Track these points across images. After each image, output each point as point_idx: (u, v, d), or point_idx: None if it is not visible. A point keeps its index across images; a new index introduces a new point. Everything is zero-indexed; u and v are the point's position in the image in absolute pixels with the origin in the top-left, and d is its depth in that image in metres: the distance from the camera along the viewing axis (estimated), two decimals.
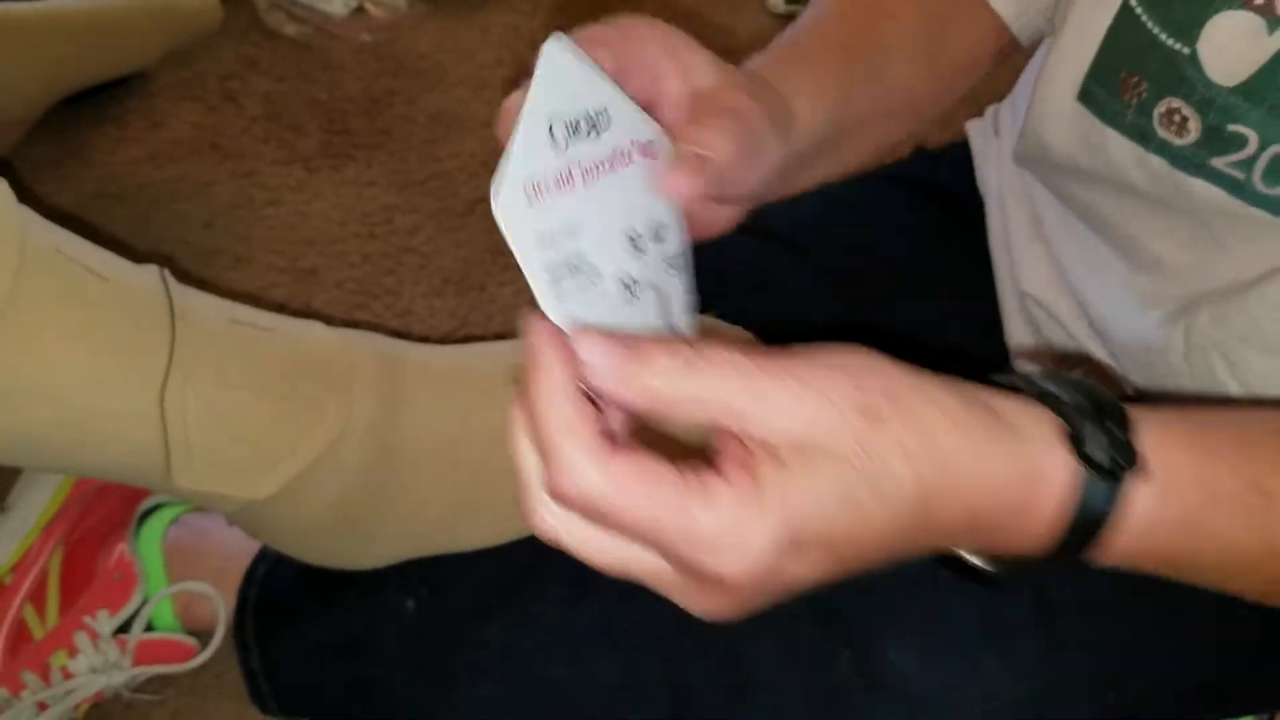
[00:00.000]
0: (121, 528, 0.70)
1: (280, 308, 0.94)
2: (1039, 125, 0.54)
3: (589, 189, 0.38)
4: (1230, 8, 0.43)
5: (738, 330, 0.60)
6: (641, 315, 0.40)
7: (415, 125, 1.11)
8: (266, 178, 1.05)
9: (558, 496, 0.31)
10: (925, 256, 0.68)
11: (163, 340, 0.52)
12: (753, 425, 0.31)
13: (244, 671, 0.64)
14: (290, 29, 1.15)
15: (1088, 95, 0.50)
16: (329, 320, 0.61)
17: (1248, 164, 0.45)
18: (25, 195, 0.51)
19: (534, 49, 0.36)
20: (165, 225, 1.01)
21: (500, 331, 0.95)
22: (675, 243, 0.41)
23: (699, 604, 0.33)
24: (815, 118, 0.47)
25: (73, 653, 0.66)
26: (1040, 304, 0.60)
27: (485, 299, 0.97)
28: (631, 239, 0.41)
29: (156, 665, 0.68)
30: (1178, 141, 0.47)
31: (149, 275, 0.54)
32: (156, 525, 0.70)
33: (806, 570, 0.32)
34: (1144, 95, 0.48)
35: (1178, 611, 0.52)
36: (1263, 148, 0.44)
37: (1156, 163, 0.48)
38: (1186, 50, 0.45)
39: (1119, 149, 0.49)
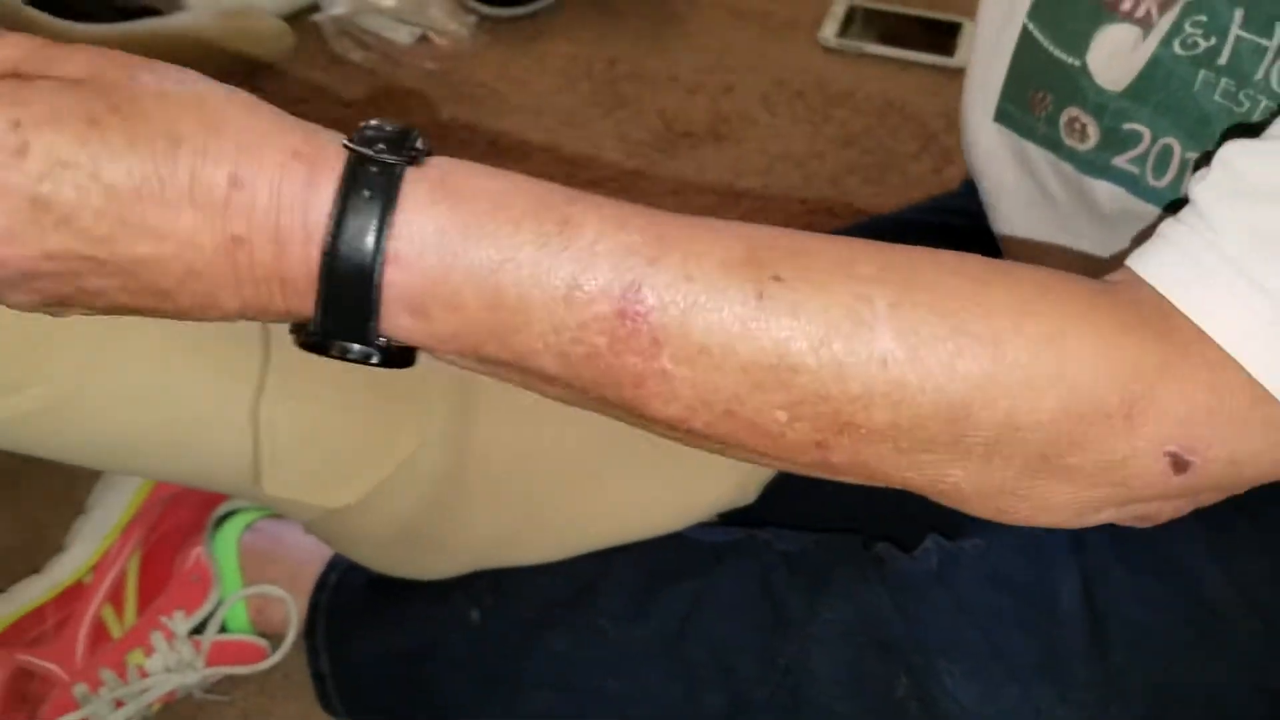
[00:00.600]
0: (198, 532, 0.72)
1: None
2: (970, 153, 0.58)
3: None
4: (1111, 22, 0.47)
5: None
6: None
7: (475, 151, 1.14)
8: None
9: None
10: None
11: (257, 353, 0.55)
12: (32, 70, 0.32)
13: (313, 674, 0.67)
14: (357, 55, 1.19)
15: (1004, 115, 0.54)
16: None
17: (1142, 159, 0.48)
18: None
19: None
20: None
21: None
22: None
23: None
24: None
25: (149, 652, 0.69)
26: None
27: None
28: None
29: (229, 666, 0.70)
30: (1081, 147, 0.50)
31: None
32: (232, 530, 0.73)
33: (39, 179, 0.30)
34: (1049, 108, 0.51)
35: (1235, 642, 0.53)
36: (1154, 141, 0.47)
37: (1067, 169, 0.52)
38: (1078, 63, 0.49)
39: (1037, 158, 0.53)
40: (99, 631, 0.69)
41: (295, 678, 0.73)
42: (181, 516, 0.73)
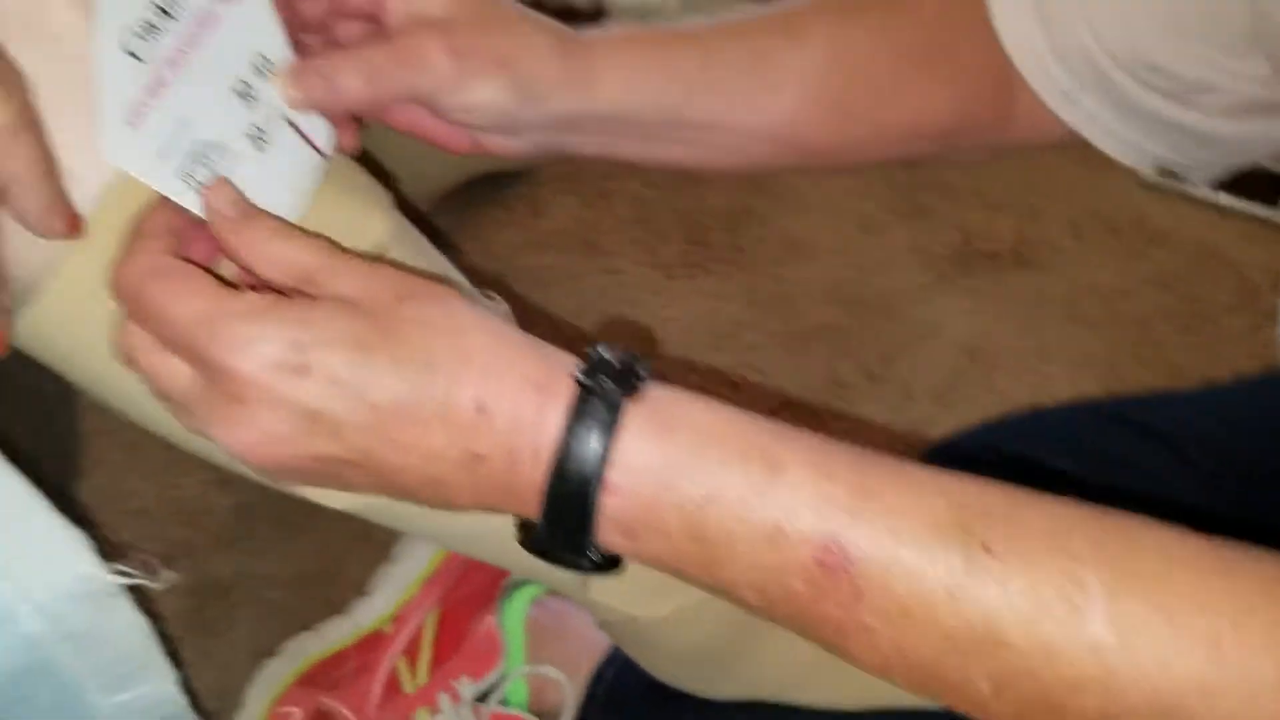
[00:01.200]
0: (491, 599, 0.76)
1: None
2: None
3: (181, 76, 0.41)
4: None
5: None
6: (282, 156, 0.45)
7: (768, 245, 1.16)
8: (629, 277, 1.13)
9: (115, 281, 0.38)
10: None
11: None
12: (314, 287, 0.38)
13: None
14: None
15: None
16: None
17: None
18: None
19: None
20: (535, 307, 1.10)
21: None
22: (282, 59, 0.45)
23: (222, 420, 0.37)
24: (626, 98, 0.51)
25: (434, 711, 0.73)
26: None
27: (818, 426, 1.00)
28: (239, 92, 0.44)
29: None
30: None
31: None
32: (520, 602, 0.76)
33: (315, 397, 0.36)
34: None
35: None
36: None
37: None
38: None
39: None
40: (392, 683, 0.74)
41: None
42: (478, 580, 0.78)
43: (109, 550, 0.46)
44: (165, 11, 0.41)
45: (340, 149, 0.48)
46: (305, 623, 0.82)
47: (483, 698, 0.74)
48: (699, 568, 0.36)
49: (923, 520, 0.33)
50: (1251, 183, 1.15)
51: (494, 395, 0.36)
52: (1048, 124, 0.58)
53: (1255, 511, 0.64)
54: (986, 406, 1.00)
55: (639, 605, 0.59)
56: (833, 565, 0.34)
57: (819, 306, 1.10)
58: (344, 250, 0.40)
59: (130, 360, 0.39)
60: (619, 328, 1.00)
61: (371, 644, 0.75)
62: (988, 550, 0.33)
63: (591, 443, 0.35)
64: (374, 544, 0.84)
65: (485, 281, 0.50)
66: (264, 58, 0.45)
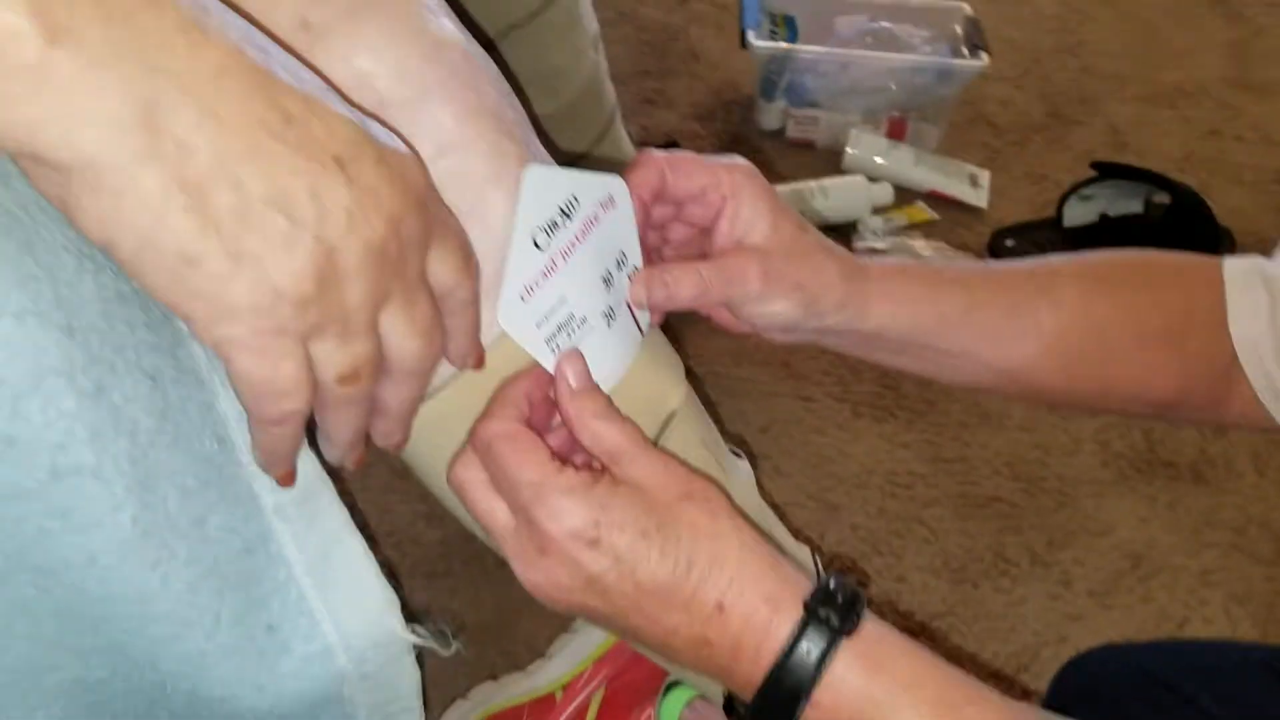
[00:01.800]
0: (653, 692, 0.84)
1: (796, 532, 1.08)
2: None
3: (568, 263, 0.51)
4: None
5: None
6: (619, 332, 0.54)
7: (958, 406, 1.21)
8: (820, 406, 1.20)
9: (476, 432, 0.48)
10: None
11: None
12: (617, 466, 0.47)
13: None
14: None
15: None
16: (839, 560, 0.72)
17: None
18: None
19: None
20: (729, 416, 1.19)
21: (981, 637, 1.02)
22: (635, 258, 0.55)
23: (524, 561, 0.47)
24: (891, 323, 0.59)
25: None
26: None
27: (975, 596, 1.05)
28: (604, 279, 0.53)
29: None
30: None
31: (807, 563, 0.68)
32: (676, 702, 0.84)
33: (598, 565, 0.45)
34: None
35: None
36: None
37: None
38: None
39: None
40: None
41: None
42: (643, 671, 0.86)
43: (409, 610, 0.55)
44: (566, 214, 0.50)
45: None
46: (484, 669, 0.91)
47: None
48: None
49: None
50: None
51: (733, 599, 0.45)
52: (1260, 416, 0.63)
53: None
54: (1141, 616, 1.03)
55: None
56: None
57: (997, 478, 1.15)
58: (645, 440, 0.49)
59: (459, 487, 0.49)
60: (842, 562, 1.07)
61: (543, 706, 0.84)
62: None
63: (808, 661, 0.43)
64: (541, 607, 0.93)
65: (691, 376, 0.58)
66: (623, 253, 0.54)
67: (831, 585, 0.45)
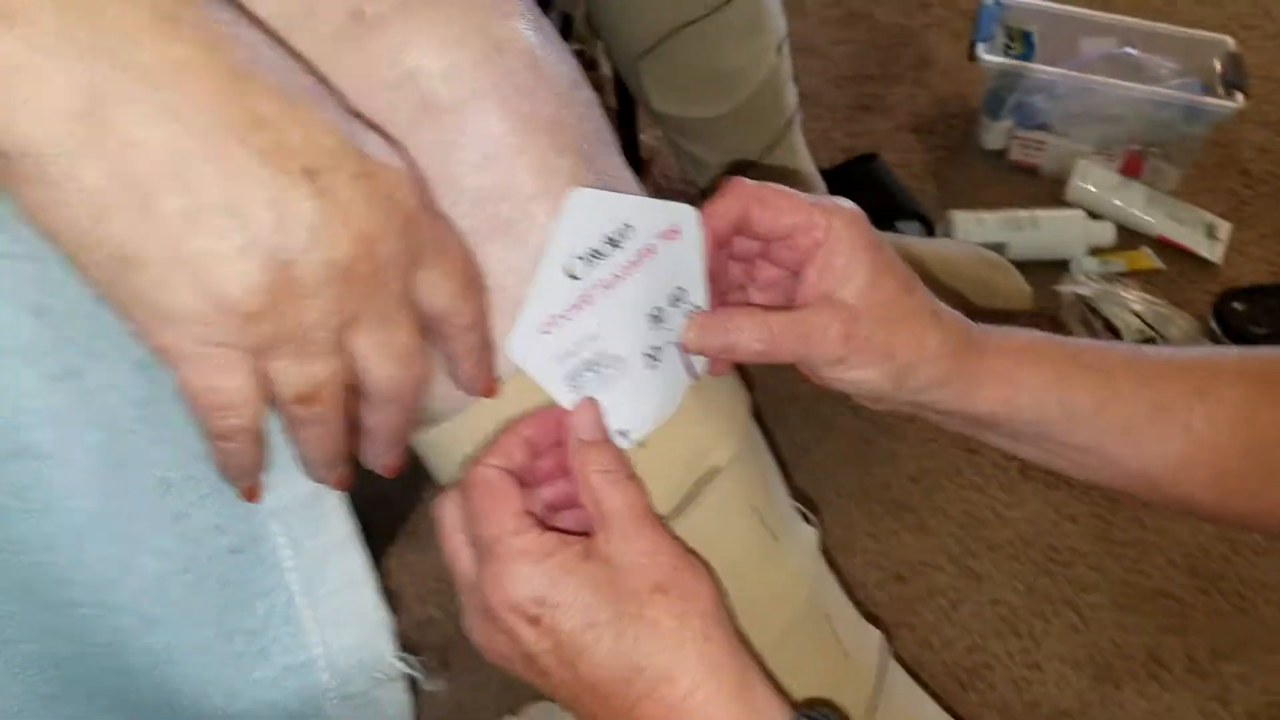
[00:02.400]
0: None
1: (913, 602, 0.99)
2: None
3: (609, 297, 0.46)
4: None
5: None
6: (662, 375, 0.49)
7: None
8: (984, 461, 1.09)
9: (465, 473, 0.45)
10: None
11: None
12: (602, 534, 0.43)
13: None
14: (1078, 332, 1.18)
15: None
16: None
17: None
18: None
19: None
20: (879, 457, 1.10)
21: None
22: (696, 296, 0.50)
23: (471, 618, 0.44)
24: (1005, 409, 0.51)
25: None
26: None
27: (1116, 698, 0.93)
28: (653, 315, 0.48)
29: None
30: None
31: (872, 650, 0.61)
32: None
33: (534, 645, 0.42)
34: None
35: None
36: None
37: None
38: None
39: None
40: None
41: None
42: None
43: (403, 635, 0.52)
44: (614, 243, 0.46)
45: (711, 373, 0.52)
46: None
47: None
48: None
49: None
50: None
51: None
52: None
53: None
54: None
55: None
56: None
57: (1171, 570, 1.02)
58: (645, 512, 0.44)
59: (437, 523, 0.46)
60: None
61: None
62: None
63: None
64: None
65: None
66: (682, 290, 0.49)
67: (816, 712, 0.39)
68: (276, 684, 0.51)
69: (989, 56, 1.33)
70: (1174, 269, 1.27)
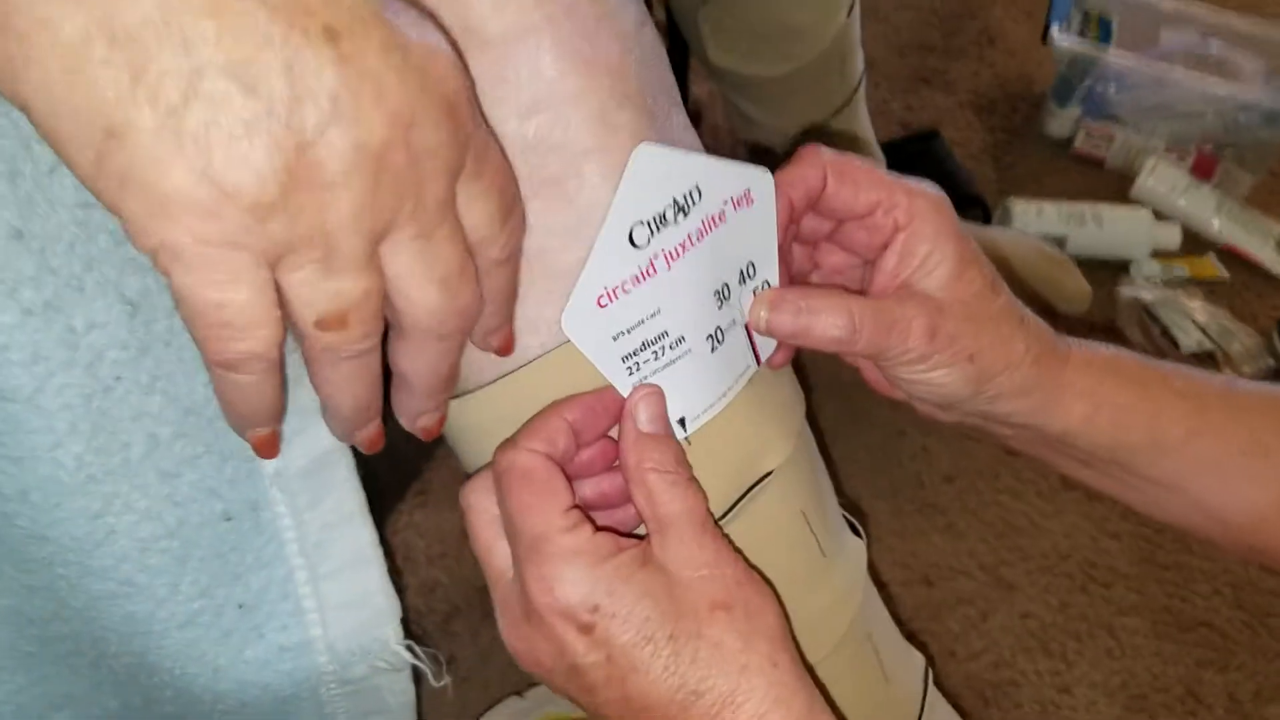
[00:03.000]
0: None
1: (938, 619, 0.94)
2: None
3: (674, 269, 0.40)
4: None
5: None
6: (724, 359, 0.43)
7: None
8: (1024, 465, 1.04)
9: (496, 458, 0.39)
10: None
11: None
12: (659, 540, 0.38)
13: None
14: (1136, 336, 1.12)
15: None
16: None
17: None
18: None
19: None
20: (911, 452, 1.05)
21: None
22: (768, 272, 0.44)
23: (509, 621, 0.39)
24: (1084, 430, 0.46)
25: None
26: None
27: None
28: (718, 293, 0.42)
29: None
30: None
31: (915, 677, 0.56)
32: None
33: (584, 657, 0.36)
34: None
35: None
36: None
37: None
38: None
39: None
40: None
41: None
42: None
43: (408, 600, 0.47)
44: (681, 209, 0.40)
45: (770, 364, 0.46)
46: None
47: None
48: None
49: None
50: None
51: None
52: None
53: None
54: None
55: None
56: None
57: (1216, 600, 0.96)
58: (707, 518, 0.39)
59: (466, 513, 0.40)
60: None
61: None
62: None
63: None
64: None
65: None
66: (752, 265, 0.43)
67: None
68: (269, 665, 0.46)
69: (1063, 39, 1.26)
70: (1238, 280, 1.20)
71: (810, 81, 0.90)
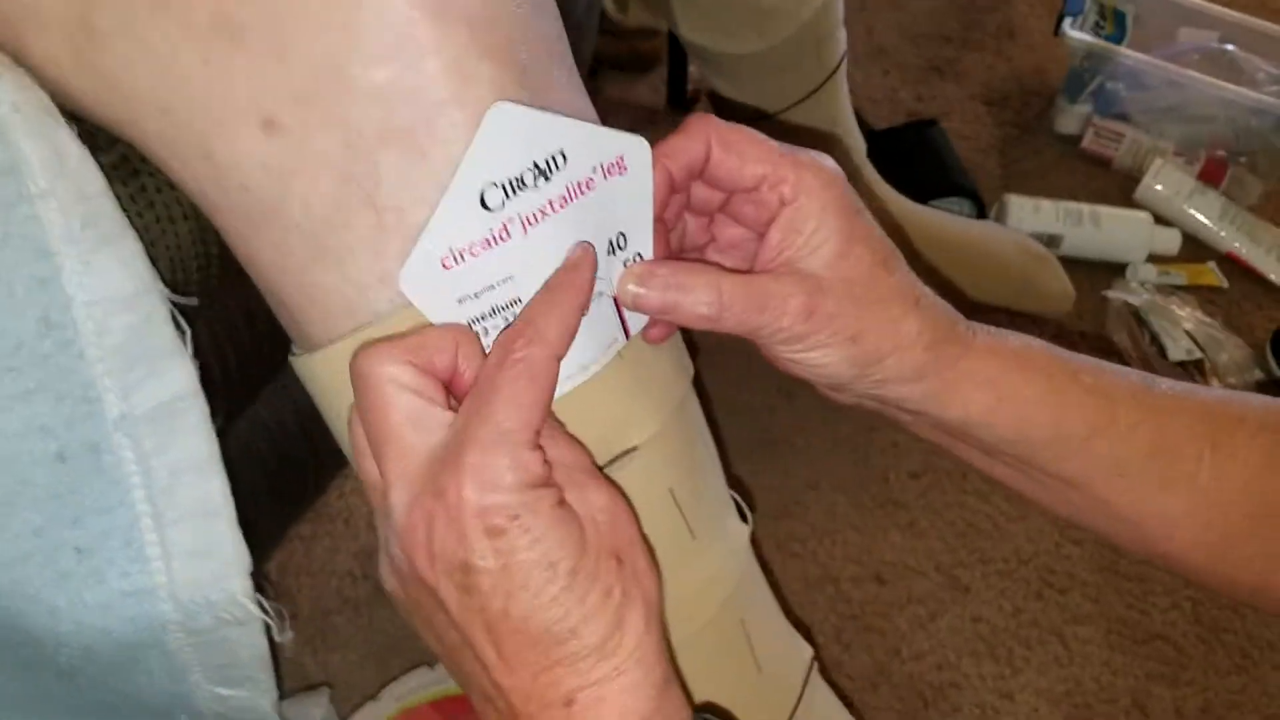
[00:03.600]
0: None
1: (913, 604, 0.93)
2: None
3: (531, 235, 0.39)
4: None
5: None
6: (589, 324, 0.41)
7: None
8: None
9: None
10: None
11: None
12: (570, 481, 0.38)
13: None
14: (1124, 343, 1.09)
15: None
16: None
17: None
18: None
19: None
20: (881, 448, 1.03)
21: None
22: (640, 244, 0.43)
23: (405, 486, 0.36)
24: (981, 420, 0.45)
25: None
26: None
27: None
28: None
29: None
30: None
31: (797, 667, 0.54)
32: None
33: (479, 554, 0.35)
34: None
35: None
36: None
37: None
38: None
39: None
40: None
41: None
42: None
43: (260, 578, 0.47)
44: (543, 172, 0.38)
45: (645, 338, 0.45)
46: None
47: None
48: None
49: None
50: None
51: (592, 703, 0.36)
52: None
53: None
54: None
55: None
56: None
57: (1174, 614, 0.93)
58: (598, 473, 0.40)
59: (374, 376, 0.37)
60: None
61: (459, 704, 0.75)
62: None
63: None
64: None
65: None
66: (623, 235, 0.42)
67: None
68: (110, 610, 0.45)
69: (1075, 33, 1.22)
70: (1237, 289, 1.17)
71: (785, 61, 0.88)
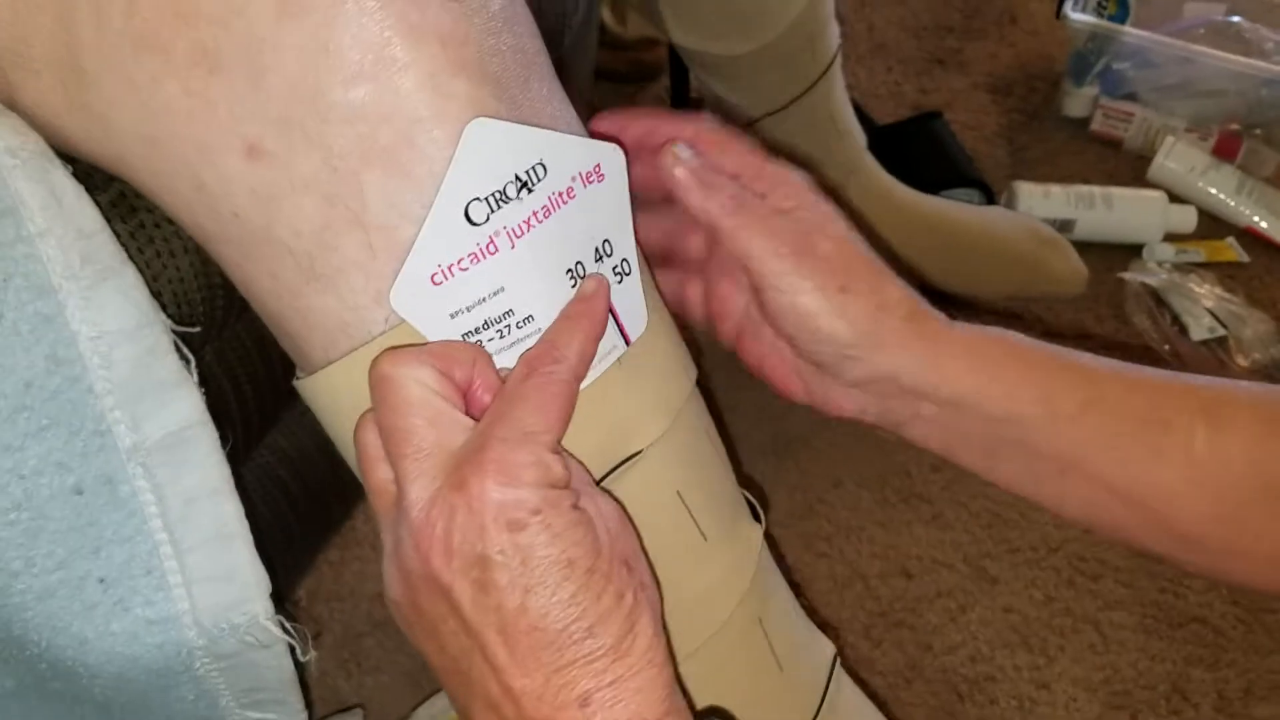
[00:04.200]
0: None
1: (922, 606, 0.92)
2: None
3: (519, 246, 0.39)
4: None
5: None
6: None
7: None
8: None
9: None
10: None
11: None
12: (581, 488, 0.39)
13: None
14: (1143, 323, 1.08)
15: None
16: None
17: None
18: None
19: None
20: (899, 444, 1.02)
21: None
22: (625, 249, 0.43)
23: (426, 478, 0.37)
24: (982, 400, 0.46)
25: None
26: None
27: None
28: (571, 271, 0.41)
29: None
30: None
31: (820, 665, 0.54)
32: None
33: (499, 553, 0.35)
34: None
35: None
36: None
37: None
38: None
39: None
40: None
41: None
42: None
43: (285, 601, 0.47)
44: (525, 184, 0.39)
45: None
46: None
47: None
48: None
49: None
50: None
51: (607, 704, 0.36)
52: None
53: None
54: None
55: None
56: None
57: (1210, 595, 0.92)
58: (596, 487, 0.41)
59: (398, 379, 0.38)
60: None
61: None
62: None
63: None
64: None
65: None
66: (608, 242, 0.42)
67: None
68: (137, 638, 0.46)
69: (1078, 15, 1.22)
70: (1259, 264, 1.15)
71: (777, 60, 0.88)
